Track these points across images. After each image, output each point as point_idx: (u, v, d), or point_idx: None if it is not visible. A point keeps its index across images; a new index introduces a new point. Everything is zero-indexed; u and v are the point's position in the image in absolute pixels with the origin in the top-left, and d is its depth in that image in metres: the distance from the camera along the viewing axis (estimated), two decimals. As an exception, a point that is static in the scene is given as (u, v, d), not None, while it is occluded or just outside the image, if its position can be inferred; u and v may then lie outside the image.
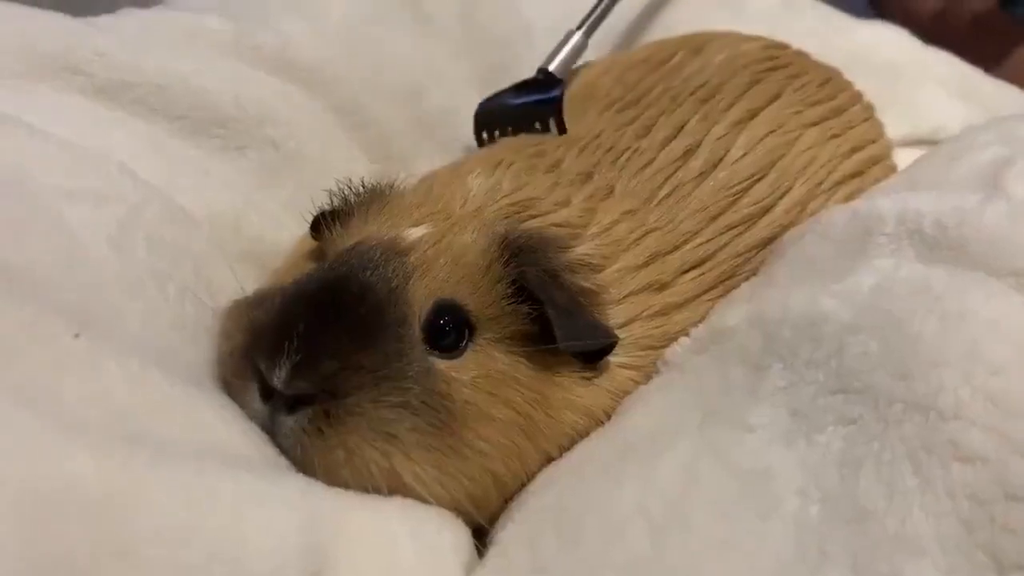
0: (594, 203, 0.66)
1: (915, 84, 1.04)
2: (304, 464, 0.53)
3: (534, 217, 0.64)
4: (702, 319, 0.65)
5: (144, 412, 0.47)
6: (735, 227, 0.69)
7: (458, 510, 0.55)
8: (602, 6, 0.92)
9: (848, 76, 0.88)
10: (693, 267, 0.66)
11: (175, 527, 0.41)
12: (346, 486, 0.52)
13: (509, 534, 0.54)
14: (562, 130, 0.80)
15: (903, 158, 0.84)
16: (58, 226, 0.55)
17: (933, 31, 1.20)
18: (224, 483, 0.44)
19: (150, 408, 0.48)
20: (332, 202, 0.66)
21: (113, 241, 0.57)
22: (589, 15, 0.91)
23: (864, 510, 0.46)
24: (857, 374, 0.51)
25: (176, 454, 0.45)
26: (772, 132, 0.74)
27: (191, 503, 0.42)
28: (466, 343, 0.57)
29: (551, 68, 0.87)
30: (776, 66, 0.82)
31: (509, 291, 0.59)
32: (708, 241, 0.67)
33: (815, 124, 0.77)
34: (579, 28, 0.89)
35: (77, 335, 0.47)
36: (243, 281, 0.65)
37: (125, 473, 0.41)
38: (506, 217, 0.63)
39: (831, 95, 0.81)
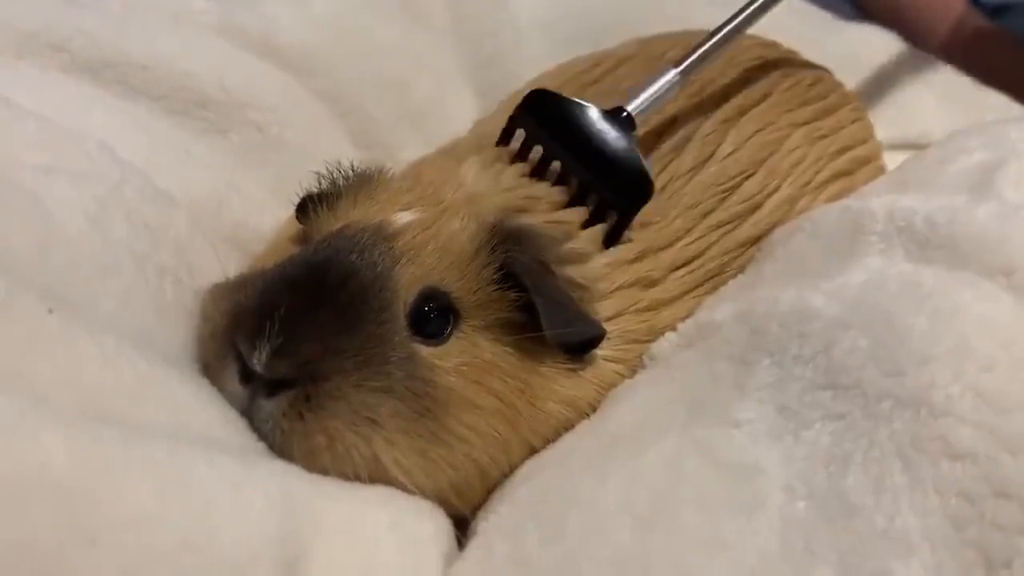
0: None
1: (903, 88, 1.04)
2: (283, 449, 0.52)
3: (526, 212, 0.63)
4: (689, 315, 0.64)
5: (118, 392, 0.46)
6: (724, 224, 0.69)
7: (440, 499, 0.54)
8: (704, 48, 0.72)
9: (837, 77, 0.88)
10: (683, 264, 0.66)
11: (145, 512, 0.40)
12: (326, 472, 0.51)
13: (491, 525, 0.53)
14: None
15: (891, 161, 0.84)
16: (35, 203, 0.53)
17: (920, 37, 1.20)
18: (198, 467, 0.43)
19: (124, 388, 0.46)
20: (320, 184, 0.65)
21: (91, 219, 0.56)
22: (689, 53, 0.71)
23: (852, 507, 0.45)
24: (846, 370, 0.50)
25: (149, 436, 0.43)
26: (761, 130, 0.74)
27: (162, 488, 0.41)
28: (451, 330, 0.57)
29: (631, 108, 0.67)
30: (767, 64, 0.81)
31: (496, 278, 0.58)
32: (699, 239, 0.67)
33: (805, 123, 0.77)
34: (676, 66, 0.70)
35: (51, 310, 0.45)
36: (225, 265, 0.63)
37: (95, 456, 0.40)
38: (499, 209, 0.62)
39: (821, 95, 0.81)
